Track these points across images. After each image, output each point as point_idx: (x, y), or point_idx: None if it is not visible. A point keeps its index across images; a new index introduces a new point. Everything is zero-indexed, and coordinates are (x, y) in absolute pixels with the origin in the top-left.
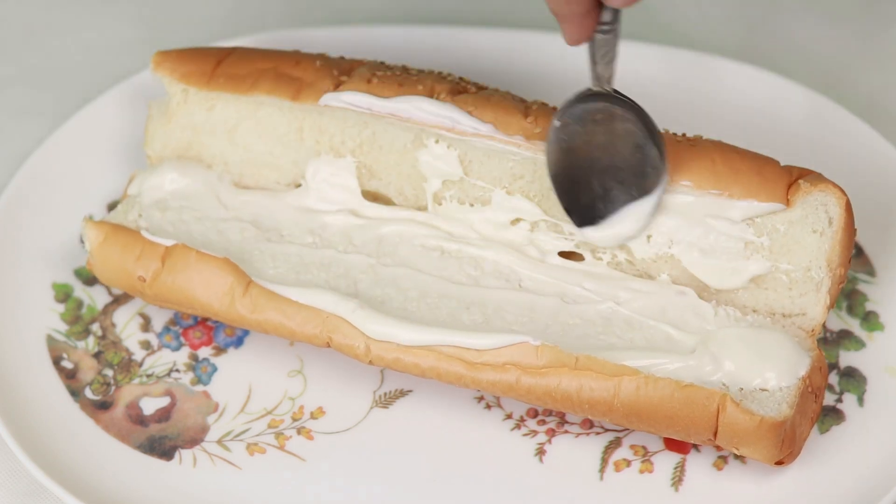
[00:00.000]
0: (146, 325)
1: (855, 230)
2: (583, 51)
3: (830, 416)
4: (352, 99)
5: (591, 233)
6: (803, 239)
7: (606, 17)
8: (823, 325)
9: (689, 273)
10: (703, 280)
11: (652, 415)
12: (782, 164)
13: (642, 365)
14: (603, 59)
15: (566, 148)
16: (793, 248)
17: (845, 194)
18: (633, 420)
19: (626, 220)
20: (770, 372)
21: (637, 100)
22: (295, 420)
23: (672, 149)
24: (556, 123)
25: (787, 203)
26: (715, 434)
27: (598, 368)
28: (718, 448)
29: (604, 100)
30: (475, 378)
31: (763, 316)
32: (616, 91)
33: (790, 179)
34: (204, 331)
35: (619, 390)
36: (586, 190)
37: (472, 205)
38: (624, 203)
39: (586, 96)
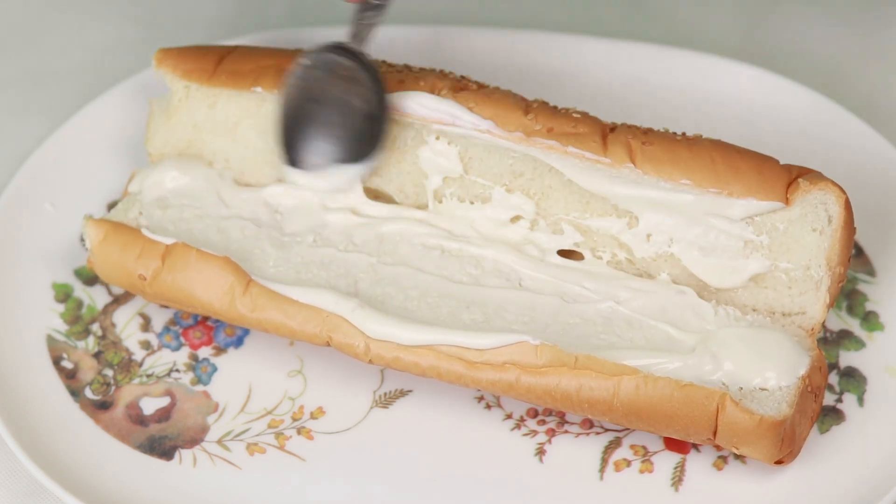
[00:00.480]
0: (146, 325)
1: (854, 229)
2: (583, 52)
3: (830, 416)
4: None
5: (295, 174)
6: (803, 237)
7: None
8: (823, 325)
9: (688, 272)
10: (703, 279)
11: (651, 414)
12: (782, 163)
13: (642, 364)
14: (365, 21)
15: (303, 87)
16: (792, 247)
17: (844, 193)
18: (632, 419)
19: (331, 177)
20: (770, 371)
21: (637, 100)
22: (295, 420)
23: (671, 147)
24: (306, 62)
25: (787, 201)
26: (714, 433)
27: (597, 368)
28: (718, 448)
29: (351, 58)
30: (475, 377)
31: (763, 315)
32: (363, 53)
33: (790, 178)
34: (204, 331)
35: (618, 390)
36: (305, 132)
37: (472, 202)
38: (333, 158)
39: (337, 47)
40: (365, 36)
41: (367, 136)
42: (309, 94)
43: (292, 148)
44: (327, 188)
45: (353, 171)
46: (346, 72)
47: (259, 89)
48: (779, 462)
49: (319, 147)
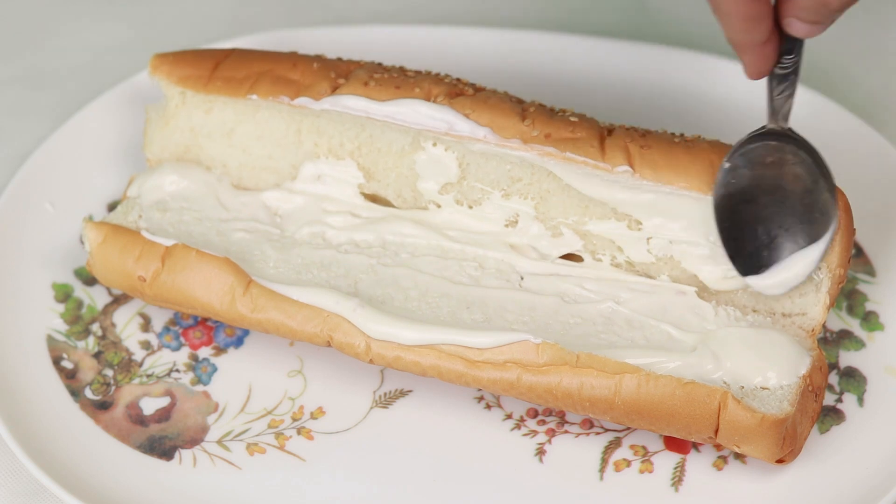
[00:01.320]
0: (146, 325)
1: (854, 230)
2: (583, 52)
3: (830, 416)
4: (349, 103)
5: (755, 280)
6: None
7: (788, 47)
8: (823, 325)
9: (689, 274)
10: (704, 281)
11: (653, 412)
12: None
13: (643, 363)
14: (782, 93)
15: (733, 192)
16: None
17: (844, 194)
18: (634, 418)
19: (791, 268)
20: (771, 370)
21: (637, 100)
22: (295, 420)
23: (670, 151)
24: (726, 165)
25: None
26: (716, 432)
27: (599, 366)
28: (718, 447)
29: (777, 139)
30: (476, 376)
31: (763, 316)
32: (791, 130)
33: None
34: (204, 331)
35: (620, 388)
36: (752, 237)
37: (470, 207)
38: (789, 251)
39: (760, 135)
40: (785, 110)
41: (813, 212)
42: (740, 198)
43: (743, 257)
44: (794, 282)
45: (815, 252)
46: (771, 157)
47: (254, 97)
48: (780, 461)
49: (772, 244)
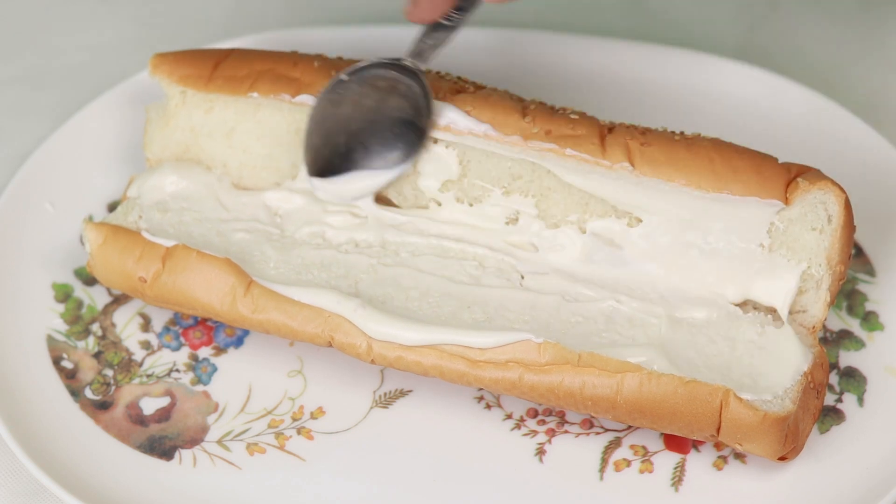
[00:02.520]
0: (146, 325)
1: (854, 227)
2: (583, 52)
3: (830, 416)
4: None
5: (318, 183)
6: (803, 236)
7: (462, 3)
8: (824, 323)
9: (689, 273)
10: (704, 279)
11: (655, 411)
12: (781, 162)
13: (644, 361)
14: (434, 43)
15: (335, 100)
16: (792, 246)
17: (844, 192)
18: (636, 416)
19: (352, 183)
20: (772, 368)
21: (637, 100)
22: (295, 420)
23: (670, 148)
24: (343, 77)
25: (787, 201)
26: (718, 430)
27: (600, 365)
28: (718, 447)
29: (402, 72)
30: (478, 376)
31: (763, 313)
32: (420, 71)
33: (789, 177)
34: (204, 331)
35: (622, 387)
36: (331, 142)
37: (471, 204)
38: (361, 168)
39: (390, 64)
40: (427, 56)
41: (398, 144)
42: (338, 107)
43: (317, 158)
44: (347, 197)
45: (376, 179)
46: (383, 81)
47: (255, 94)
48: (782, 458)
49: (348, 156)
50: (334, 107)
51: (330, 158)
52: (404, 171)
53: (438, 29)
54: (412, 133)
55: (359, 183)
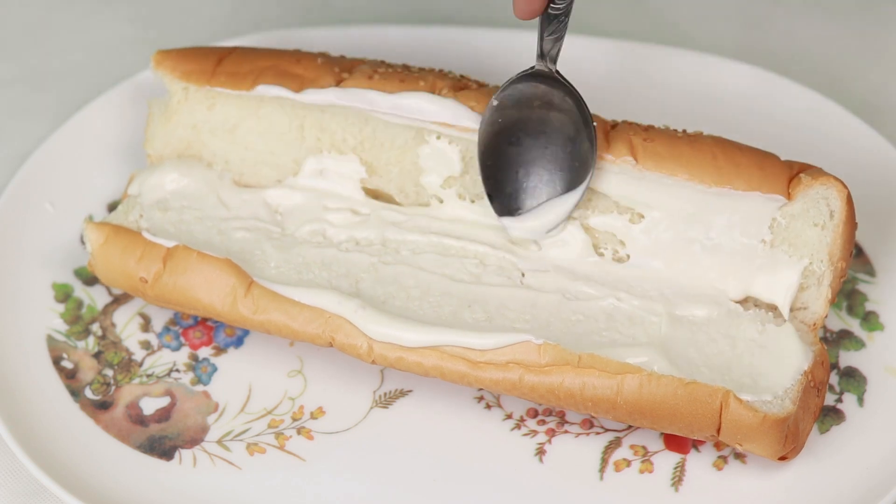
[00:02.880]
0: (146, 325)
1: (856, 224)
2: (584, 52)
3: (830, 416)
4: (354, 94)
5: (510, 223)
6: (804, 232)
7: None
8: (825, 320)
9: (690, 269)
10: (705, 275)
11: (655, 412)
12: (782, 159)
13: (645, 361)
14: (551, 35)
15: (499, 131)
16: (794, 242)
17: (846, 187)
18: (636, 417)
19: (545, 215)
20: (773, 367)
21: (637, 99)
22: (295, 420)
23: (672, 143)
24: (494, 103)
25: (789, 196)
26: (718, 430)
27: (600, 366)
28: (718, 447)
29: (546, 83)
30: (478, 377)
31: (764, 310)
32: (559, 73)
33: (791, 173)
34: (204, 331)
35: (622, 388)
36: (512, 178)
37: (473, 201)
38: (547, 196)
39: (529, 75)
40: (553, 52)
41: (573, 160)
42: (505, 138)
43: (503, 198)
44: (541, 232)
45: (569, 201)
46: (538, 101)
47: (258, 90)
48: (782, 458)
49: (531, 188)
50: (503, 140)
51: (514, 195)
52: (587, 185)
53: (552, 20)
54: (583, 143)
55: (550, 214)
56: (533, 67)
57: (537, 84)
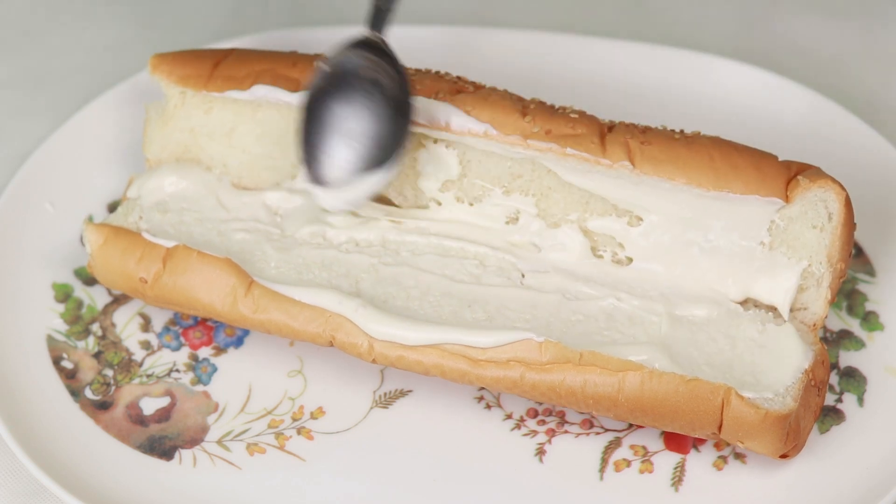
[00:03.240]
0: (146, 325)
1: (855, 225)
2: (583, 52)
3: (830, 416)
4: None
5: (318, 191)
6: (803, 234)
7: None
8: (825, 320)
9: (689, 271)
10: (704, 277)
11: (656, 409)
12: (781, 160)
13: (646, 359)
14: (385, 3)
15: (319, 98)
16: (793, 244)
17: (844, 189)
18: (637, 415)
19: (354, 188)
20: (774, 366)
21: (637, 99)
22: (295, 420)
23: (670, 146)
24: (325, 68)
25: (787, 199)
26: (720, 428)
27: (602, 364)
28: (719, 446)
29: (375, 53)
30: (479, 375)
31: (764, 310)
32: (385, 43)
33: (789, 175)
34: (204, 331)
35: (623, 385)
36: (326, 147)
37: (471, 204)
38: (356, 169)
39: (360, 44)
40: (384, 17)
41: (389, 138)
42: (325, 106)
43: (315, 165)
44: (350, 203)
45: (376, 180)
46: (365, 72)
47: (254, 94)
48: (783, 456)
49: (341, 159)
50: (322, 107)
51: (327, 164)
52: (399, 167)
53: None
54: (399, 120)
55: (358, 188)
56: (365, 37)
57: (367, 54)
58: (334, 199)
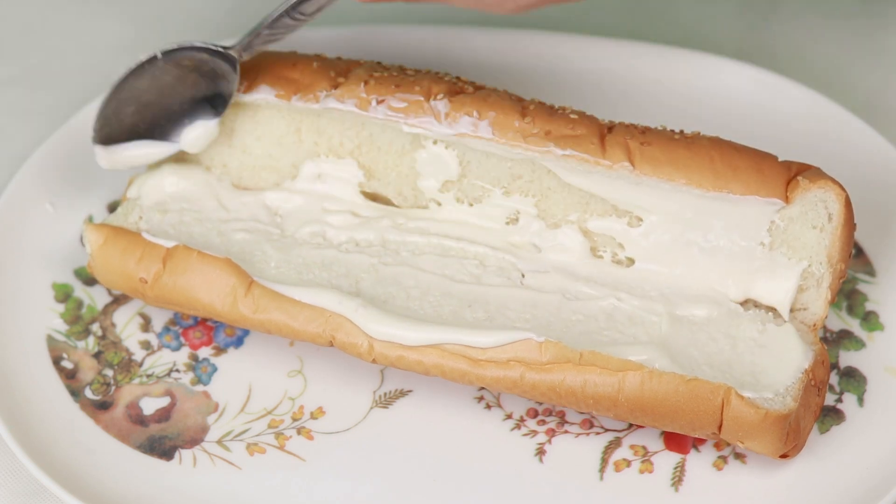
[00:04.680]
0: (146, 325)
1: (854, 225)
2: (583, 52)
3: (830, 416)
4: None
5: (98, 149)
6: (803, 235)
7: (310, 8)
8: (825, 320)
9: (690, 271)
10: (704, 278)
11: (656, 409)
12: (781, 160)
13: (646, 359)
14: (269, 38)
15: (138, 73)
16: (793, 245)
17: (844, 190)
18: (637, 415)
19: (128, 151)
20: (774, 366)
21: (637, 99)
22: (295, 420)
23: (670, 147)
24: (157, 55)
25: (787, 199)
26: (720, 428)
27: (602, 363)
28: (719, 446)
29: (223, 59)
30: (479, 375)
31: (765, 311)
32: (234, 55)
33: (789, 175)
34: (204, 331)
35: (623, 385)
36: (121, 114)
37: (471, 204)
38: (139, 138)
39: (214, 52)
40: (252, 46)
41: (184, 121)
42: (138, 78)
43: (104, 126)
44: (121, 164)
45: (152, 150)
46: (189, 61)
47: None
48: (783, 456)
49: (130, 127)
50: (135, 79)
51: (117, 127)
52: (177, 148)
53: (283, 25)
54: (205, 113)
55: (134, 152)
56: (225, 48)
57: (214, 58)
58: (108, 161)
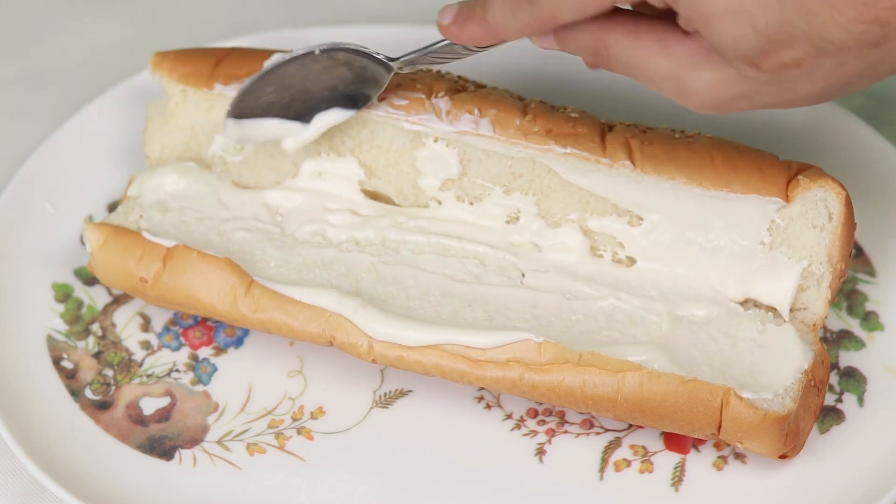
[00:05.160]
0: (146, 325)
1: (855, 225)
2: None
3: (830, 416)
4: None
5: (228, 122)
6: (803, 234)
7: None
8: (825, 320)
9: (690, 271)
10: (705, 277)
11: (655, 410)
12: (781, 159)
13: (645, 360)
14: (435, 60)
15: (289, 59)
16: (793, 244)
17: (845, 189)
18: (636, 415)
19: (255, 128)
20: (773, 366)
21: (637, 99)
22: (295, 420)
23: (670, 146)
24: (316, 52)
25: (787, 199)
26: (719, 428)
27: (601, 364)
28: (718, 446)
29: (382, 66)
30: (479, 375)
31: (765, 311)
32: (390, 65)
33: (789, 175)
34: (204, 331)
35: (622, 386)
36: (259, 91)
37: (471, 203)
38: (271, 116)
39: (375, 58)
40: (415, 65)
41: (322, 107)
42: (289, 64)
43: (240, 101)
44: (243, 137)
45: (278, 129)
46: (344, 56)
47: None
48: (783, 456)
49: (269, 106)
50: (286, 65)
51: (253, 103)
52: (298, 140)
53: (454, 52)
54: (344, 104)
55: (263, 125)
56: (390, 58)
57: (370, 62)
58: (232, 133)
